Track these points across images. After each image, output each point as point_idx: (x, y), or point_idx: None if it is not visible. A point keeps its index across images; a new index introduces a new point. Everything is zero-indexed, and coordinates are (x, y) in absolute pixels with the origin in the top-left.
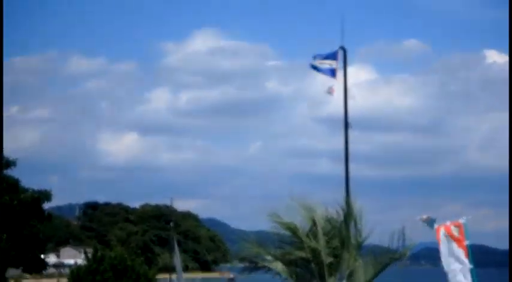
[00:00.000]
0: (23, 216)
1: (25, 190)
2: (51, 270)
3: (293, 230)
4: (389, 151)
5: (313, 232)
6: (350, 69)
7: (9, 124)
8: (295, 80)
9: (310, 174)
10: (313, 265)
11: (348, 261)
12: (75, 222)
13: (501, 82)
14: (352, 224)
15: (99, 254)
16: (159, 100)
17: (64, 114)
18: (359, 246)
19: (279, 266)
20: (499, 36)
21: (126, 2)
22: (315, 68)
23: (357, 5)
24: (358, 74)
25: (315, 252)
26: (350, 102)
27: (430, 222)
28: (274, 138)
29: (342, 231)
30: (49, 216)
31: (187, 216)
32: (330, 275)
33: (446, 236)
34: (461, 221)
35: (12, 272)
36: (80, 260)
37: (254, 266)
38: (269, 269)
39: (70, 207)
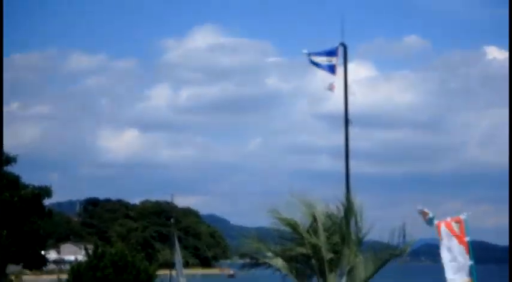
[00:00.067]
0: (24, 212)
1: (25, 186)
2: (52, 266)
3: (293, 226)
4: (390, 148)
5: (313, 228)
6: (350, 66)
7: (9, 120)
8: (295, 76)
9: (310, 170)
10: (313, 261)
11: (349, 257)
12: (76, 219)
13: (501, 78)
14: (352, 220)
15: (99, 250)
16: (159, 97)
17: (64, 111)
18: (359, 242)
19: (279, 262)
20: (498, 33)
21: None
22: (314, 63)
23: (357, 4)
24: (358, 70)
25: (315, 248)
26: (350, 99)
27: (429, 220)
28: (274, 135)
29: (342, 227)
30: (49, 213)
31: (188, 212)
32: (331, 271)
33: (447, 232)
34: (462, 217)
35: (12, 268)
36: (81, 256)
37: (254, 262)
38: (269, 265)
39: (70, 204)
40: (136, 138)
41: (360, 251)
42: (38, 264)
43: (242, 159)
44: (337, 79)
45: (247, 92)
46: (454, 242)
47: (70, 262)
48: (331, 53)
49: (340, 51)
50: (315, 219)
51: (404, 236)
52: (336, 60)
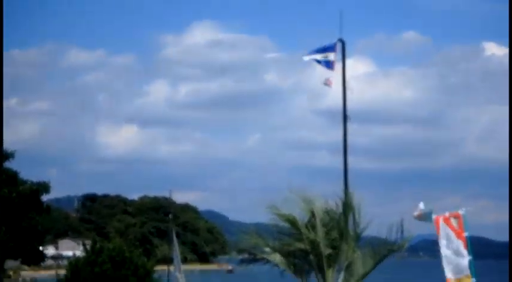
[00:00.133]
0: (22, 208)
1: (24, 182)
2: (50, 262)
3: (292, 221)
4: (388, 144)
5: (311, 224)
6: (348, 62)
7: (8, 116)
8: (294, 72)
9: (309, 166)
10: (311, 256)
11: (347, 253)
12: (74, 214)
13: (500, 74)
14: (350, 216)
15: (97, 245)
16: (158, 93)
17: (63, 107)
18: (357, 238)
19: (277, 257)
20: (497, 29)
21: None
22: (316, 61)
23: (356, 0)
24: (356, 66)
25: (313, 243)
26: (349, 95)
27: (427, 215)
28: (272, 131)
29: (341, 223)
30: (48, 209)
31: (186, 208)
32: (329, 266)
33: (445, 227)
34: (461, 212)
35: (10, 264)
36: (79, 252)
37: (253, 257)
38: (267, 261)
39: (69, 200)
40: (135, 134)
41: (358, 246)
42: (36, 259)
43: (241, 155)
44: (336, 75)
45: (246, 88)
46: (453, 237)
47: (68, 258)
48: (329, 48)
49: (338, 47)
50: (313, 214)
51: (402, 232)
52: (334, 56)
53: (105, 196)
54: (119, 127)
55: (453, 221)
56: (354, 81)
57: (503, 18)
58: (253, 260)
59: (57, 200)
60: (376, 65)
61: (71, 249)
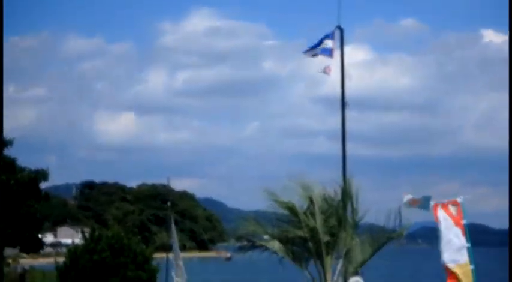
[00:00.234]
0: (20, 196)
1: (22, 170)
2: (49, 249)
3: (291, 208)
4: (386, 131)
5: (310, 211)
6: (347, 49)
7: (5, 103)
8: (292, 59)
9: (307, 153)
10: (310, 244)
11: (345, 240)
12: (72, 202)
13: (498, 62)
14: (349, 203)
15: (96, 233)
16: (156, 80)
17: (61, 94)
18: (356, 225)
19: (276, 244)
20: (495, 16)
21: None
22: (312, 53)
23: None
24: (355, 53)
25: (312, 231)
26: (347, 82)
27: (425, 203)
28: (271, 118)
29: (339, 210)
30: (46, 196)
31: (184, 195)
32: (327, 253)
33: (444, 215)
34: (459, 200)
35: (9, 252)
36: (77, 240)
37: (251, 245)
38: (266, 248)
39: (67, 187)
40: (133, 122)
41: (356, 233)
42: (35, 247)
43: (239, 143)
44: (334, 62)
45: (244, 75)
46: (451, 224)
47: (67, 245)
48: (327, 36)
49: (337, 34)
50: (311, 202)
51: (400, 219)
52: (332, 44)
53: (104, 183)
54: (117, 114)
55: (451, 209)
56: (352, 68)
57: (501, 5)
58: (252, 247)
59: (56, 187)
60: (374, 52)
61: (70, 236)
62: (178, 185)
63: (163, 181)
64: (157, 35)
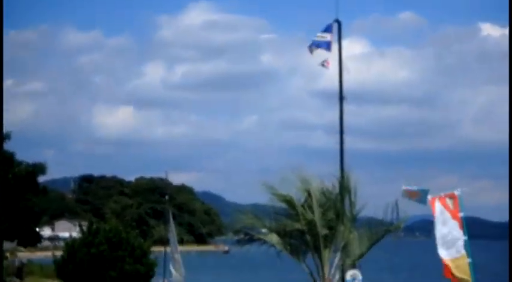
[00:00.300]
0: (18, 189)
1: (20, 163)
2: (46, 243)
3: (289, 201)
4: (384, 124)
5: (308, 204)
6: (344, 42)
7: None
8: (290, 53)
9: (305, 147)
10: (308, 237)
11: (343, 233)
12: (70, 196)
13: (496, 55)
14: (347, 197)
15: (94, 226)
16: (154, 74)
17: (59, 88)
18: (354, 218)
19: (274, 238)
20: (493, 10)
21: None
22: (311, 45)
23: None
24: (353, 47)
25: (310, 224)
26: (345, 76)
27: (422, 197)
28: (269, 112)
29: (337, 203)
30: (44, 190)
31: (183, 189)
32: (325, 246)
33: (441, 208)
34: (456, 193)
35: (7, 245)
36: (75, 233)
37: (249, 238)
38: (264, 241)
39: (65, 181)
40: (131, 115)
41: (354, 227)
42: (33, 241)
43: (237, 136)
44: (332, 55)
45: (242, 69)
46: (448, 217)
47: (65, 239)
48: (325, 29)
49: (335, 27)
50: (309, 195)
51: (397, 212)
52: (330, 37)
53: (102, 177)
54: (115, 108)
55: (449, 202)
56: (349, 61)
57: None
58: (250, 240)
59: (54, 181)
60: (372, 45)
61: (68, 230)
62: (177, 178)
63: (162, 175)
64: (155, 29)
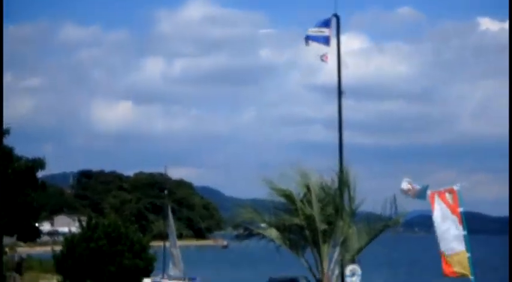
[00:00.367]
0: (17, 184)
1: (19, 159)
2: (46, 238)
3: (288, 196)
4: (383, 119)
5: (307, 199)
6: (343, 37)
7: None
8: (289, 47)
9: (304, 142)
10: (307, 232)
11: (342, 228)
12: (69, 191)
13: (494, 50)
14: (346, 192)
15: (93, 221)
16: (153, 68)
17: (58, 83)
18: (353, 213)
19: (273, 232)
20: (492, 4)
21: None
22: (308, 38)
23: None
24: (351, 41)
25: (309, 219)
26: (343, 70)
27: (422, 193)
28: (267, 106)
29: (336, 198)
30: (43, 185)
31: (182, 184)
32: (324, 241)
33: (440, 203)
34: (455, 187)
35: (6, 241)
36: (74, 228)
37: (248, 233)
38: (263, 236)
39: (64, 176)
40: (130, 110)
41: (353, 222)
42: (32, 236)
43: (236, 131)
44: (331, 50)
45: (240, 63)
46: (448, 212)
47: (64, 234)
48: (324, 24)
49: (333, 22)
50: (308, 190)
51: (396, 208)
52: (329, 32)
53: (101, 172)
54: (114, 103)
55: (448, 197)
56: (348, 56)
57: None
58: (249, 235)
59: (53, 176)
60: (370, 40)
61: (67, 225)
62: (176, 173)
63: (161, 170)
64: (154, 24)
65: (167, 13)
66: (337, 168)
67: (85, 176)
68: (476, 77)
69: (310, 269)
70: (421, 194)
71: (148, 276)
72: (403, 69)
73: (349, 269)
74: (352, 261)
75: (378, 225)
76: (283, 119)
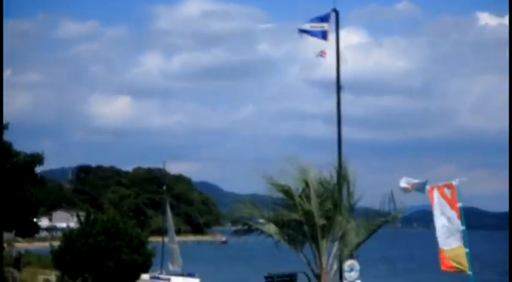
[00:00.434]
0: (16, 180)
1: (17, 154)
2: (44, 233)
3: (287, 191)
4: (382, 114)
5: (306, 194)
6: (342, 32)
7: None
8: (287, 42)
9: (302, 136)
10: (305, 227)
11: (341, 223)
12: (68, 186)
13: (493, 44)
14: (344, 187)
15: (91, 217)
16: (151, 63)
17: (56, 78)
18: (351, 208)
19: (271, 228)
20: None
21: None
22: (305, 31)
23: None
24: (350, 36)
25: (307, 214)
26: (342, 65)
27: (421, 186)
28: (266, 101)
29: (335, 193)
30: (42, 180)
31: (180, 179)
32: (323, 237)
33: (439, 198)
34: (454, 182)
35: (5, 236)
36: (72, 223)
37: (247, 228)
38: (262, 232)
39: (62, 171)
40: (128, 105)
41: (352, 217)
42: (30, 231)
43: (234, 126)
44: (329, 45)
45: (239, 58)
46: (447, 208)
47: (62, 229)
48: (323, 19)
49: (332, 17)
50: (307, 185)
51: (394, 203)
52: (328, 27)
53: (99, 167)
54: (113, 98)
55: (447, 192)
56: (347, 51)
57: None
58: (248, 230)
59: (51, 171)
60: (369, 35)
61: (65, 220)
62: (174, 168)
63: (159, 165)
64: (152, 19)
65: (165, 8)
66: (335, 163)
67: (83, 171)
68: (475, 72)
69: (309, 264)
70: (420, 188)
71: (146, 271)
72: (402, 64)
73: (347, 264)
74: (351, 257)
75: (377, 221)
76: (281, 114)
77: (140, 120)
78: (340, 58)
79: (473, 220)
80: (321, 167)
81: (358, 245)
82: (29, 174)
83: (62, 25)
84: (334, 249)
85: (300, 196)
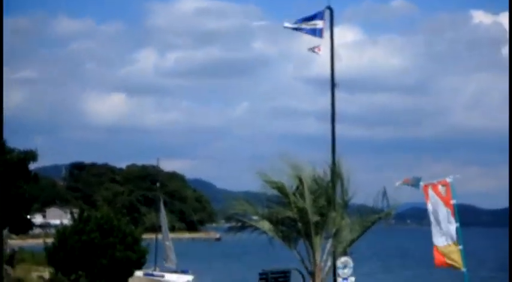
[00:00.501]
0: (9, 176)
1: (11, 150)
2: (38, 230)
3: (280, 188)
4: (376, 111)
5: (300, 191)
6: (336, 30)
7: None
8: (282, 40)
9: (296, 134)
10: (299, 224)
11: (334, 220)
12: (61, 183)
13: (487, 42)
14: (338, 184)
15: (85, 214)
16: (146, 61)
17: (51, 75)
18: (345, 205)
19: (265, 225)
20: None
21: None
22: (299, 29)
23: None
24: (344, 34)
25: (301, 211)
26: (337, 63)
27: (415, 182)
28: (260, 99)
29: (329, 190)
30: (35, 177)
31: (174, 176)
32: (316, 233)
33: (433, 195)
34: (448, 180)
35: None
36: (66, 220)
37: (241, 225)
38: (256, 228)
39: (56, 168)
40: (123, 102)
41: (346, 214)
42: (24, 228)
43: (229, 123)
44: (324, 43)
45: (234, 56)
46: (441, 205)
47: (56, 226)
48: (317, 16)
49: (327, 14)
50: (301, 182)
51: (387, 200)
52: (322, 24)
53: (93, 164)
54: (107, 95)
55: (441, 189)
56: (341, 49)
57: None
58: (242, 227)
59: (45, 168)
60: (364, 32)
61: (59, 217)
62: (168, 165)
63: (153, 162)
64: (147, 16)
65: (160, 6)
66: (330, 160)
67: (77, 168)
68: (469, 70)
69: (303, 261)
70: (415, 183)
71: (140, 268)
72: (396, 62)
73: (341, 261)
74: (344, 254)
75: (370, 218)
76: (276, 111)
77: (135, 117)
78: (334, 55)
79: (469, 217)
80: (315, 164)
81: (352, 241)
82: (23, 171)
83: (58, 22)
84: (328, 246)
85: (294, 193)
